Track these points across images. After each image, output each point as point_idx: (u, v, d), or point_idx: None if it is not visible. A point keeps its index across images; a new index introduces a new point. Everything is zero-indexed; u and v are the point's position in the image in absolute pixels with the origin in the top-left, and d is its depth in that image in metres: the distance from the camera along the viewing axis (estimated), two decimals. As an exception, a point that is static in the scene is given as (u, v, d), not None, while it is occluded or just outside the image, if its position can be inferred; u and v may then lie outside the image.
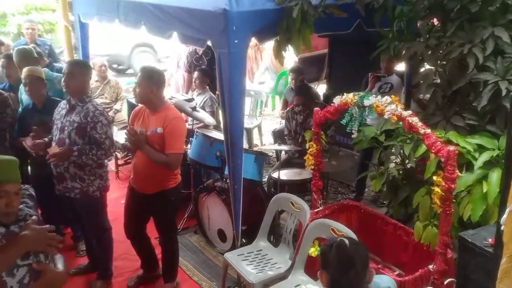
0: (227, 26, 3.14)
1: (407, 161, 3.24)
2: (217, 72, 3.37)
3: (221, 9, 3.12)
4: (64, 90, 3.44)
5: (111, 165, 5.37)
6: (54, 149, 3.23)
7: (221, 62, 3.28)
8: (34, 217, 1.92)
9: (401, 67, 4.90)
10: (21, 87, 4.14)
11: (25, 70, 3.75)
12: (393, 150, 3.32)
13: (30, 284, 1.80)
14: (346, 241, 1.77)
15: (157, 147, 3.19)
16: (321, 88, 7.26)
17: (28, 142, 3.49)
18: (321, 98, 5.84)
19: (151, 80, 3.21)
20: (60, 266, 2.04)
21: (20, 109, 4.07)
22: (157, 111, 3.25)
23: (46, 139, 3.49)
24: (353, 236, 2.77)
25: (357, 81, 4.91)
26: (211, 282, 3.68)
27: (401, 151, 3.20)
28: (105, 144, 3.26)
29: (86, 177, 3.32)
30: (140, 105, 3.43)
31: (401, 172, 3.36)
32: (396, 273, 3.10)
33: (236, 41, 3.19)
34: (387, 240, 3.26)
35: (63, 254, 3.87)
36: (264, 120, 7.43)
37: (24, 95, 4.16)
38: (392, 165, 3.47)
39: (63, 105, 3.40)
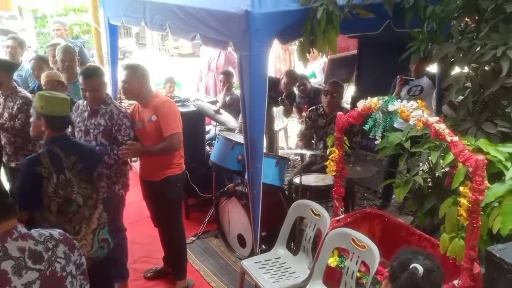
0: (249, 28, 3.07)
1: (434, 169, 3.07)
2: (238, 74, 3.31)
3: (242, 10, 3.05)
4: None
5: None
6: None
7: (243, 64, 3.22)
8: None
9: (433, 69, 4.70)
10: None
11: (44, 75, 3.80)
12: (419, 158, 3.16)
13: None
14: (420, 270, 1.64)
15: (158, 135, 3.29)
16: (350, 91, 7.10)
17: None
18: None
19: (137, 75, 3.33)
20: None
21: None
22: (147, 102, 3.36)
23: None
24: (374, 247, 2.65)
25: (387, 84, 4.76)
26: (229, 289, 3.63)
27: (429, 158, 3.04)
28: (126, 145, 3.30)
29: (113, 175, 3.38)
30: (132, 104, 3.57)
31: (428, 180, 3.20)
32: (420, 286, 2.96)
33: (258, 43, 3.13)
34: (412, 252, 3.11)
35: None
36: (291, 122, 7.33)
37: None
38: (419, 173, 3.31)
39: (82, 107, 3.42)
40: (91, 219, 2.73)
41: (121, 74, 3.42)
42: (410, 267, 1.66)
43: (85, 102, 3.40)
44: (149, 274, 3.81)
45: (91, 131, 3.31)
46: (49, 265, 1.71)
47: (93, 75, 3.28)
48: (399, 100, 2.75)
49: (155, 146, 3.33)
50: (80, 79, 3.31)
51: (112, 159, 3.29)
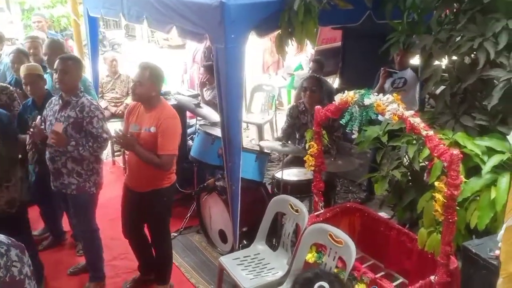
0: (224, 19, 3.00)
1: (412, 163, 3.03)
2: (214, 68, 3.25)
3: (217, 1, 2.98)
4: (57, 86, 3.38)
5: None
6: (58, 127, 3.17)
7: (218, 57, 3.15)
8: None
9: (417, 61, 4.65)
10: None
11: (23, 68, 3.70)
12: (398, 152, 3.12)
13: None
14: (326, 286, 1.58)
15: (151, 147, 3.11)
16: (337, 83, 7.04)
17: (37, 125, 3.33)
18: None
19: (156, 80, 3.14)
20: None
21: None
22: (152, 108, 3.16)
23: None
24: (350, 243, 2.61)
25: (371, 76, 4.70)
26: (209, 286, 3.58)
27: (407, 152, 2.99)
28: (101, 138, 3.24)
29: (84, 172, 3.29)
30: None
31: (408, 174, 3.16)
32: (398, 281, 2.94)
33: (233, 35, 3.06)
34: (391, 246, 3.08)
35: (63, 252, 3.94)
36: (280, 115, 7.26)
37: None
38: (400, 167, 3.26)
39: (55, 101, 3.36)
40: None
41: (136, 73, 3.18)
42: (316, 286, 1.59)
43: (57, 96, 3.34)
44: (128, 286, 3.63)
45: (61, 123, 3.22)
46: (7, 271, 1.64)
47: (69, 58, 3.26)
48: (376, 93, 2.69)
49: (149, 152, 3.11)
50: (57, 64, 3.23)
51: (87, 151, 3.19)
